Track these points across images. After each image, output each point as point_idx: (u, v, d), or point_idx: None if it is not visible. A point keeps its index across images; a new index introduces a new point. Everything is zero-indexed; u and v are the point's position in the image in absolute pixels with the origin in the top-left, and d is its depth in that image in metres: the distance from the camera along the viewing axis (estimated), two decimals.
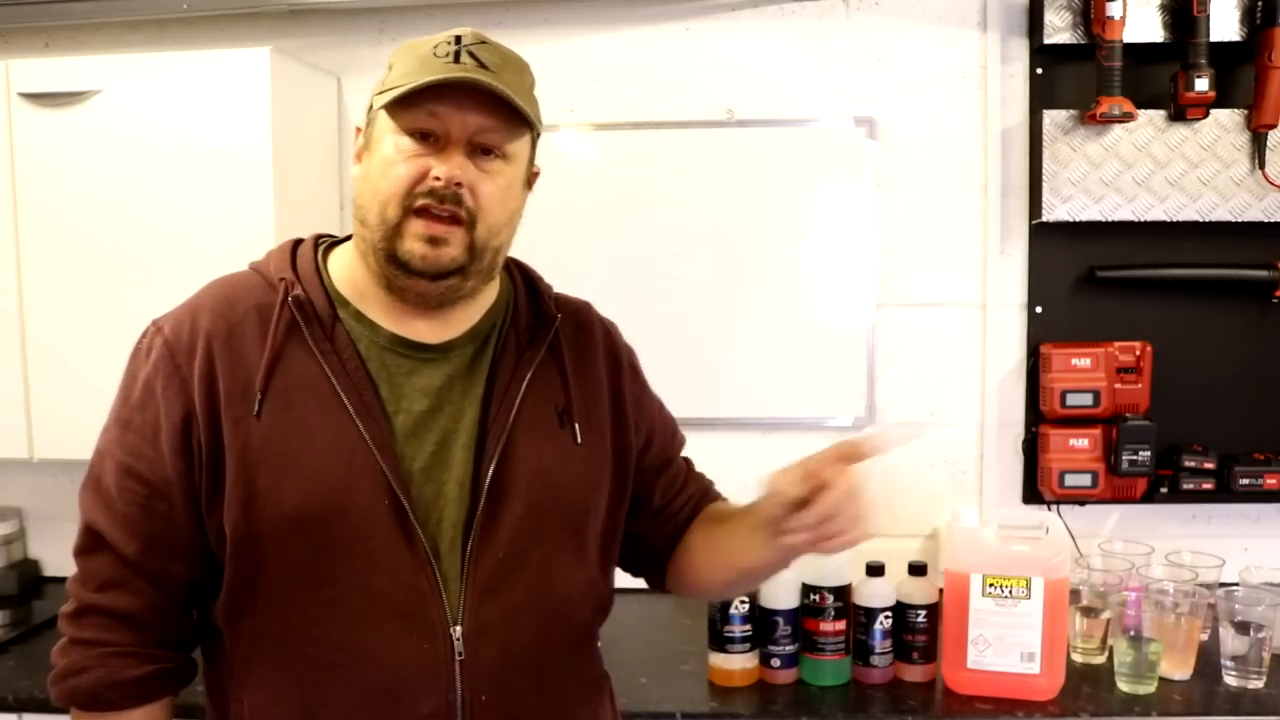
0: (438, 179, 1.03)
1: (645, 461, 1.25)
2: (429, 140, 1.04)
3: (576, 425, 1.15)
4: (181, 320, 1.09)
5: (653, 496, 1.27)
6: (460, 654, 1.06)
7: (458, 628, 1.06)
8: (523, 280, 1.23)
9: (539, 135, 1.13)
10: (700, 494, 1.32)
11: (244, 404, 1.05)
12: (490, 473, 1.08)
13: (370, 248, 1.08)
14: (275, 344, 1.06)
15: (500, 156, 1.07)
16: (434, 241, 1.04)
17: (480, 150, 1.06)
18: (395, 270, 1.06)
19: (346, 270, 1.13)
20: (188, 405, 1.05)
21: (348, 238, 1.16)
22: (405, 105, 1.03)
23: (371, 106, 1.08)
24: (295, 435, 1.05)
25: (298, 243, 1.17)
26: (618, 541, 1.24)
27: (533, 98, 1.10)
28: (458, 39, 1.05)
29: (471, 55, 1.03)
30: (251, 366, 1.06)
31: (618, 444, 1.20)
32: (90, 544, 1.09)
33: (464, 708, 1.06)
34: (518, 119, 1.05)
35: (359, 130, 1.12)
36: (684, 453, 1.34)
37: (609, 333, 1.26)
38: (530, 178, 1.15)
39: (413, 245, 1.04)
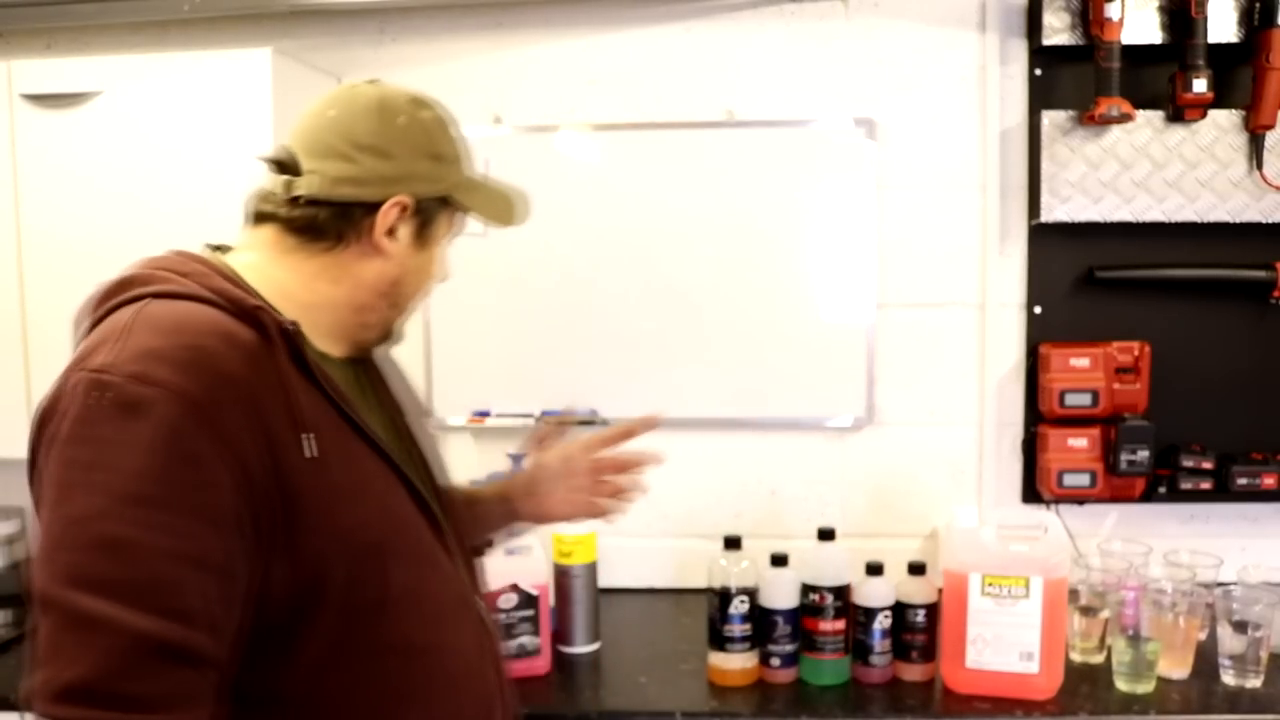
0: None
1: None
2: None
3: None
4: (188, 368, 0.89)
5: None
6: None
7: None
8: None
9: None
10: None
11: (295, 448, 0.94)
12: (424, 462, 1.19)
13: (365, 321, 1.12)
14: (288, 380, 0.97)
15: None
16: None
17: None
18: (378, 338, 1.16)
19: (276, 288, 1.05)
20: (244, 465, 0.90)
21: (230, 246, 1.11)
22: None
23: (445, 196, 1.11)
24: (347, 468, 1.01)
25: (202, 259, 1.06)
26: None
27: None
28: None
29: None
30: (279, 407, 0.95)
31: None
32: (154, 662, 0.83)
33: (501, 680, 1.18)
34: None
35: (404, 207, 1.06)
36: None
37: None
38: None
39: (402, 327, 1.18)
